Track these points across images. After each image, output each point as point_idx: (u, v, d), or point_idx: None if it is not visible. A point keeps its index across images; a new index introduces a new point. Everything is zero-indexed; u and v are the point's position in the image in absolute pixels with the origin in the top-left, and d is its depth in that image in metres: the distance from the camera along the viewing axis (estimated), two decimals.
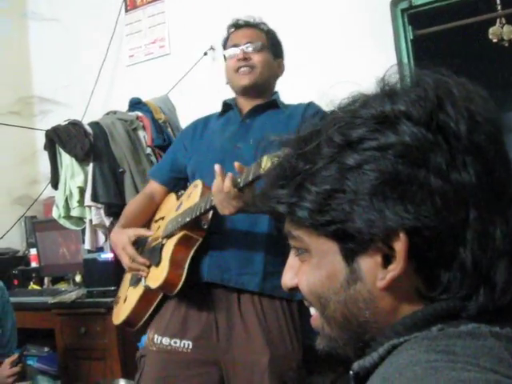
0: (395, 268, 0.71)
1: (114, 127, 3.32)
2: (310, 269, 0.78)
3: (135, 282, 2.17)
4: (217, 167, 1.76)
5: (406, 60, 3.32)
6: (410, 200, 0.68)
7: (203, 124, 2.29)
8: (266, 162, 1.58)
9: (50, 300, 3.43)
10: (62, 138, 3.24)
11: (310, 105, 2.19)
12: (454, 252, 0.70)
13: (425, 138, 0.68)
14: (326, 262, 0.76)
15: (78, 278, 3.71)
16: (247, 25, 2.25)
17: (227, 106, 2.26)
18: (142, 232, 2.16)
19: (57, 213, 3.36)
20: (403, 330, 0.70)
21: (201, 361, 2.00)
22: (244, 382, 1.97)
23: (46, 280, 4.01)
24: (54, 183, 3.38)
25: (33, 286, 3.98)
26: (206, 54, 3.73)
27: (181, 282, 1.94)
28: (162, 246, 2.06)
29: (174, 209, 2.15)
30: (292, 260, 0.85)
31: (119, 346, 3.15)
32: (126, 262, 2.10)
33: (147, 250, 2.14)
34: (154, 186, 2.34)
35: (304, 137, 0.79)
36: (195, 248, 1.99)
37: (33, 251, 4.10)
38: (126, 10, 4.19)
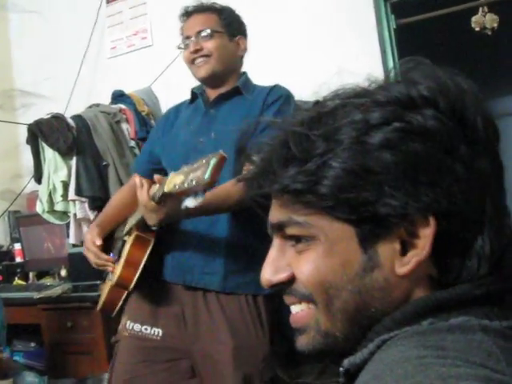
0: (419, 253, 0.69)
1: (97, 120, 3.30)
2: (318, 257, 0.73)
3: (107, 274, 2.22)
4: (136, 179, 1.77)
5: (389, 49, 3.32)
6: (440, 185, 0.68)
7: (174, 113, 2.27)
8: (170, 181, 1.58)
9: (36, 295, 3.41)
10: (44, 132, 3.22)
11: (273, 89, 2.14)
12: (473, 238, 0.70)
13: (449, 126, 0.69)
14: (339, 248, 0.72)
15: (63, 273, 3.69)
16: (196, 10, 2.18)
17: (195, 95, 2.22)
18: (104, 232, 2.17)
19: (41, 207, 3.34)
20: (393, 325, 0.69)
21: (170, 349, 2.06)
22: (210, 371, 2.03)
23: (30, 275, 3.98)
24: (38, 177, 3.36)
25: (18, 281, 3.95)
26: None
27: (133, 282, 1.98)
28: (123, 242, 2.09)
29: None
30: (276, 253, 0.79)
31: (106, 340, 3.13)
32: (91, 258, 2.11)
33: (117, 246, 2.17)
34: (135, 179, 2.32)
35: (321, 116, 0.74)
36: (150, 248, 1.99)
37: (17, 246, 4.07)
38: (108, 2, 4.14)
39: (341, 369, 0.72)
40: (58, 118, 3.26)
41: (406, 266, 0.70)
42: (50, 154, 3.26)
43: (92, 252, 2.09)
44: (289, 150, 0.72)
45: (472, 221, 0.70)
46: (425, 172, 0.67)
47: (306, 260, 0.74)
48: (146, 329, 2.07)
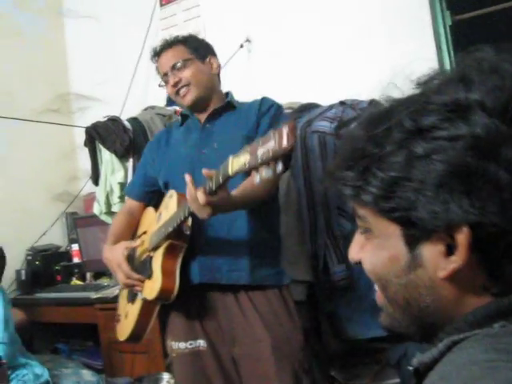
0: (457, 260, 0.69)
1: (153, 122, 3.34)
2: (373, 248, 0.78)
3: (132, 297, 2.27)
4: (187, 177, 1.82)
5: (444, 46, 3.26)
6: (477, 194, 0.66)
7: (166, 135, 2.39)
8: (232, 163, 1.63)
9: (93, 295, 3.47)
10: (101, 135, 3.27)
11: (264, 100, 2.26)
12: None
13: (497, 129, 0.65)
14: (388, 244, 0.75)
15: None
16: (163, 48, 2.30)
17: (185, 117, 2.35)
18: (130, 244, 2.25)
19: (98, 209, 3.39)
20: (465, 326, 0.69)
21: (217, 355, 2.17)
22: (252, 370, 2.12)
23: (88, 275, 4.05)
24: (95, 179, 3.41)
25: (75, 281, 4.03)
26: (242, 46, 3.72)
27: (175, 289, 2.04)
28: (151, 258, 2.15)
29: (155, 221, 2.24)
30: (358, 236, 0.84)
31: (162, 340, 3.15)
32: (121, 278, 2.18)
33: (138, 265, 2.23)
34: (130, 203, 2.44)
35: (374, 117, 0.76)
36: (182, 254, 2.09)
37: (74, 247, 4.15)
38: (161, 5, 4.19)
39: (410, 368, 0.73)
40: (114, 121, 3.31)
41: (443, 270, 0.71)
42: (107, 156, 3.31)
43: (123, 272, 2.15)
44: (348, 152, 0.76)
45: None
46: (462, 181, 0.67)
47: (366, 249, 0.80)
48: (190, 344, 2.17)
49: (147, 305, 2.17)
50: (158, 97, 3.72)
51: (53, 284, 4.04)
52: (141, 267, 2.20)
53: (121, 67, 4.29)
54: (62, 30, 4.79)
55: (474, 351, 0.64)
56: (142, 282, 2.14)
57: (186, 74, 2.21)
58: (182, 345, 2.18)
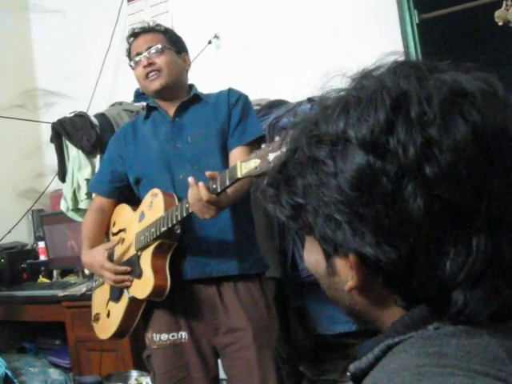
0: (353, 279, 0.72)
1: (120, 118, 3.32)
2: (306, 248, 0.81)
3: (116, 296, 2.26)
4: (190, 179, 1.88)
5: (412, 44, 3.30)
6: (357, 226, 0.67)
7: (132, 130, 2.38)
8: (241, 167, 1.73)
9: (60, 293, 3.44)
10: (68, 131, 3.24)
11: (231, 91, 2.30)
12: (405, 278, 0.68)
13: (370, 165, 0.66)
14: (313, 248, 0.77)
15: (86, 271, 3.71)
16: (144, 31, 2.31)
17: (151, 109, 2.35)
18: (110, 245, 2.27)
19: (65, 205, 3.36)
20: (400, 329, 0.70)
21: (198, 348, 2.20)
22: (233, 359, 2.18)
23: (54, 273, 4.01)
24: (62, 176, 3.38)
25: (42, 279, 3.99)
26: (210, 42, 3.72)
27: (168, 286, 2.08)
28: (138, 257, 2.16)
29: (137, 219, 2.25)
30: None
31: (130, 337, 3.12)
32: (109, 276, 2.19)
33: (122, 264, 2.23)
34: (99, 200, 2.44)
35: (292, 133, 0.78)
36: (171, 252, 2.12)
37: (41, 244, 4.11)
38: (128, 0, 4.16)
39: (348, 373, 0.74)
40: (81, 117, 3.28)
41: (346, 285, 0.73)
42: (74, 153, 3.28)
43: (109, 269, 2.18)
44: (272, 172, 0.80)
45: (394, 265, 0.67)
46: (343, 213, 0.68)
47: (306, 247, 0.82)
48: (173, 336, 2.20)
49: (134, 303, 2.18)
50: (126, 92, 3.70)
51: (19, 282, 3.99)
52: (127, 266, 2.20)
53: (88, 63, 4.25)
54: (28, 25, 4.73)
55: (407, 356, 0.64)
56: (132, 279, 2.16)
57: (161, 60, 2.22)
58: (164, 336, 2.20)
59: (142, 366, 2.85)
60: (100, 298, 2.41)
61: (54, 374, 3.24)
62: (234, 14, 3.69)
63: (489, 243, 0.64)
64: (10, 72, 4.49)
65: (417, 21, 3.33)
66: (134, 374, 3.12)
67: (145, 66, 2.21)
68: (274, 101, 3.23)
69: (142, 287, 2.10)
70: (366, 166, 0.66)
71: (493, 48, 4.03)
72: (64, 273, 4.01)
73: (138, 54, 2.25)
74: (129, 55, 2.33)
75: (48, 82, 4.56)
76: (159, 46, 2.23)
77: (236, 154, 2.19)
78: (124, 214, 2.38)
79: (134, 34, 2.32)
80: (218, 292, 2.19)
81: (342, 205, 0.68)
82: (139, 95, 3.55)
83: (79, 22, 4.35)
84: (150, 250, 2.10)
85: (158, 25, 2.36)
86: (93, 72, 4.15)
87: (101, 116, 3.34)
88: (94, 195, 2.53)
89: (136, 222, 2.24)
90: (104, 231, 2.42)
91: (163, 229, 2.03)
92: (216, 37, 3.72)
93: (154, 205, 2.16)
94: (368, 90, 0.70)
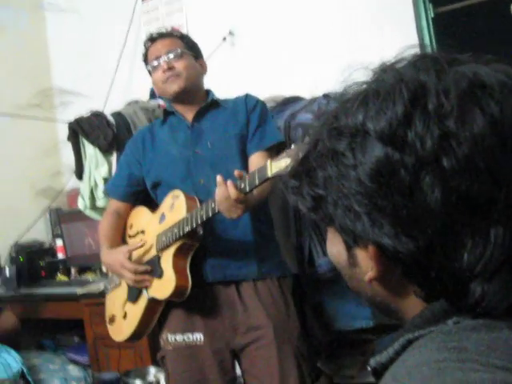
0: (373, 269, 0.73)
1: (137, 116, 3.32)
2: (329, 240, 0.81)
3: (134, 297, 2.27)
4: (219, 178, 1.89)
5: (427, 39, 3.28)
6: (376, 216, 0.68)
7: (149, 135, 2.39)
8: (271, 166, 1.74)
9: (79, 291, 3.46)
10: (85, 129, 3.26)
11: (248, 97, 2.33)
12: (423, 270, 0.69)
13: (389, 158, 0.67)
14: (335, 240, 0.78)
15: (104, 268, 3.73)
16: (161, 36, 2.33)
17: (168, 113, 2.36)
18: (133, 246, 2.27)
19: (82, 204, 3.38)
20: (421, 324, 0.70)
21: (214, 350, 2.19)
22: (254, 357, 2.18)
23: (72, 271, 4.04)
24: (79, 174, 3.39)
25: (60, 277, 4.02)
26: (224, 39, 3.71)
27: (189, 286, 2.09)
28: (159, 258, 2.18)
29: (157, 221, 2.26)
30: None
31: (148, 334, 3.14)
32: (129, 276, 2.20)
33: (142, 264, 2.24)
34: (115, 204, 2.45)
35: (312, 127, 0.80)
36: (192, 253, 2.13)
37: (59, 242, 4.14)
38: None
39: (368, 368, 0.74)
40: (97, 116, 3.30)
41: (366, 275, 0.74)
42: (90, 151, 3.29)
43: (129, 269, 2.18)
44: (295, 164, 0.82)
45: (413, 256, 0.68)
46: (363, 204, 0.69)
47: (328, 239, 0.82)
48: (188, 337, 2.20)
49: (153, 304, 2.19)
50: (142, 91, 3.71)
51: (37, 280, 4.02)
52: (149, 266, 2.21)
53: (103, 61, 4.27)
54: (43, 25, 4.75)
55: (426, 350, 0.65)
56: (152, 279, 2.17)
57: (181, 64, 2.24)
58: (179, 337, 2.20)
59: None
60: (116, 300, 2.42)
61: (74, 370, 3.26)
62: (249, 10, 3.69)
63: (507, 235, 0.64)
64: (26, 72, 4.51)
65: (432, 15, 3.31)
66: (153, 370, 3.14)
67: (164, 71, 2.23)
68: (290, 97, 3.23)
69: (163, 287, 2.11)
70: (385, 158, 0.67)
71: (509, 41, 4.00)
72: (82, 270, 4.03)
73: (157, 58, 2.26)
74: (145, 59, 2.35)
75: (64, 81, 4.58)
76: (178, 50, 2.26)
77: (255, 159, 2.20)
78: (142, 216, 2.39)
79: (152, 39, 2.33)
80: (237, 292, 2.20)
81: (361, 196, 0.69)
82: (155, 93, 3.55)
83: (94, 20, 4.37)
84: (172, 250, 2.11)
85: (175, 30, 2.40)
86: (108, 71, 4.17)
87: (117, 115, 3.35)
88: (110, 199, 2.54)
89: (156, 224, 2.24)
90: (121, 234, 2.43)
91: (187, 229, 2.03)
92: (231, 33, 3.72)
93: (175, 206, 2.16)
94: (386, 83, 0.70)
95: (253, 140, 2.24)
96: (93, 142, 3.25)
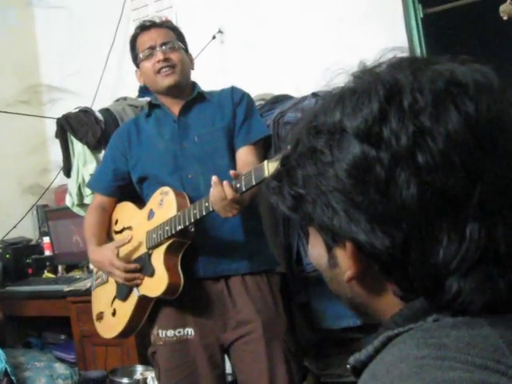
0: (351, 268, 0.73)
1: (125, 113, 3.32)
2: (310, 243, 0.82)
3: (123, 295, 2.25)
4: (214, 178, 1.87)
5: (416, 39, 3.29)
6: (352, 214, 0.69)
7: (135, 128, 2.36)
8: (268, 166, 1.72)
9: (65, 288, 3.45)
10: (73, 126, 3.24)
11: (234, 90, 2.32)
12: (401, 266, 0.69)
13: (365, 154, 0.67)
14: (315, 242, 0.79)
15: (91, 266, 3.71)
16: (155, 25, 2.29)
17: (153, 106, 2.34)
18: (120, 242, 2.24)
19: (70, 201, 3.37)
20: (400, 321, 0.70)
21: (205, 344, 2.19)
22: (243, 352, 2.18)
23: (59, 268, 4.03)
24: (67, 171, 3.38)
25: (47, 274, 4.00)
26: (214, 37, 3.71)
27: (182, 284, 2.08)
28: (149, 255, 2.16)
29: (145, 218, 2.24)
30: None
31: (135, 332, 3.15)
32: (118, 274, 2.18)
33: (131, 262, 2.22)
34: (100, 199, 2.43)
35: (294, 126, 0.80)
36: (183, 251, 2.12)
37: (46, 240, 4.12)
38: None
39: (348, 366, 0.74)
40: (86, 112, 3.29)
41: (345, 275, 0.74)
42: (79, 148, 3.28)
43: (119, 267, 2.16)
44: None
45: (388, 252, 0.68)
46: (340, 201, 0.70)
47: (309, 242, 0.83)
48: (179, 332, 2.19)
49: (143, 301, 2.18)
50: (130, 88, 3.70)
51: (24, 277, 4.00)
52: (137, 264, 2.19)
53: (92, 58, 4.25)
54: (32, 21, 4.72)
55: (405, 347, 0.64)
56: (142, 277, 2.15)
57: (176, 56, 2.22)
58: (170, 332, 2.19)
59: (147, 360, 2.86)
60: (103, 297, 2.40)
61: (60, 368, 3.25)
62: (238, 8, 3.69)
63: (482, 231, 0.65)
64: (15, 68, 4.50)
65: (421, 15, 3.32)
66: (140, 368, 3.14)
67: (159, 61, 2.19)
68: (279, 96, 3.23)
69: (155, 285, 2.10)
70: (361, 155, 0.67)
71: (497, 42, 4.02)
72: (69, 268, 4.02)
73: (151, 47, 2.23)
74: (133, 47, 2.31)
75: (52, 78, 4.56)
76: (174, 42, 2.24)
77: (243, 154, 2.20)
78: (128, 212, 2.37)
79: (145, 27, 2.29)
80: (227, 287, 2.20)
81: (338, 193, 0.69)
82: (143, 90, 3.54)
83: (83, 17, 4.35)
84: (163, 248, 2.09)
85: (168, 21, 2.37)
86: (97, 67, 4.15)
87: (105, 111, 3.34)
88: (95, 193, 2.52)
89: (144, 220, 2.23)
90: (106, 229, 2.41)
91: (179, 227, 2.02)
92: (220, 32, 3.72)
93: (164, 203, 2.15)
94: (363, 81, 0.71)
95: (239, 134, 2.23)
96: (81, 139, 3.23)
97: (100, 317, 2.39)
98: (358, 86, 0.71)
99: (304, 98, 3.01)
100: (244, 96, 2.29)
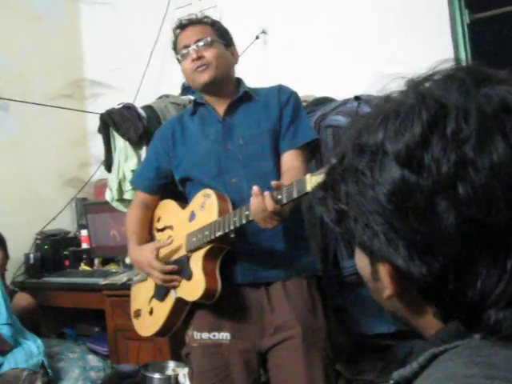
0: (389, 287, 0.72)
1: (167, 111, 3.33)
2: (356, 252, 0.80)
3: (161, 295, 2.23)
4: (255, 188, 1.83)
5: (461, 45, 3.25)
6: (391, 237, 0.67)
7: (179, 126, 2.32)
8: (310, 180, 1.68)
9: (101, 281, 3.49)
10: (116, 122, 3.27)
11: (282, 89, 2.24)
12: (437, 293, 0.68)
13: (405, 180, 0.65)
14: (360, 253, 0.77)
15: (128, 260, 3.75)
16: (191, 23, 2.25)
17: (198, 104, 2.30)
18: (160, 244, 2.22)
19: (110, 195, 3.40)
20: (446, 337, 0.69)
21: (240, 349, 2.13)
22: (281, 359, 2.11)
23: (96, 261, 4.08)
24: (108, 166, 3.41)
25: (83, 266, 4.06)
26: (257, 37, 3.72)
27: (219, 289, 2.04)
28: (188, 258, 2.13)
29: (186, 219, 2.21)
30: None
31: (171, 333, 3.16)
32: (157, 275, 2.16)
33: (170, 263, 2.19)
34: (143, 196, 2.40)
35: (340, 137, 0.79)
36: (222, 256, 2.08)
37: (83, 232, 4.18)
38: None
39: (391, 381, 0.72)
40: (129, 108, 3.31)
41: (384, 292, 0.73)
42: (120, 144, 3.31)
43: (158, 269, 2.14)
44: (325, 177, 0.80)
45: (425, 280, 0.67)
46: (379, 223, 0.68)
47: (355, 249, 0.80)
48: (214, 335, 2.15)
49: (180, 304, 2.16)
50: (173, 85, 3.73)
51: (61, 269, 4.07)
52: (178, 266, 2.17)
53: (135, 54, 4.30)
54: (77, 16, 4.80)
55: (453, 365, 0.63)
56: (180, 280, 2.13)
57: (210, 53, 2.17)
58: (205, 335, 2.16)
59: (179, 356, 2.88)
60: (142, 294, 2.39)
61: (93, 360, 3.28)
62: (282, 9, 3.69)
63: None
64: (59, 62, 4.57)
65: (467, 21, 3.28)
66: (171, 364, 3.16)
67: (193, 60, 2.16)
68: (320, 98, 3.22)
69: (192, 289, 2.07)
70: (401, 180, 0.65)
71: None
72: (105, 261, 4.07)
73: (186, 46, 2.19)
74: (175, 48, 2.28)
75: (95, 73, 4.63)
76: (208, 38, 2.18)
77: (288, 158, 2.15)
78: (170, 211, 2.35)
79: (181, 26, 2.26)
80: (266, 293, 2.15)
81: (378, 215, 0.68)
82: (186, 88, 3.56)
83: (128, 13, 4.41)
84: (202, 252, 2.06)
85: (205, 16, 2.31)
86: (140, 64, 4.20)
87: (148, 108, 3.35)
88: (137, 191, 2.50)
89: (186, 222, 2.20)
90: (148, 226, 2.39)
91: (219, 233, 1.99)
92: (263, 32, 3.72)
93: (206, 206, 2.12)
94: (407, 103, 0.69)
95: (286, 137, 2.17)
96: (123, 135, 3.26)
97: (137, 314, 2.39)
98: (401, 107, 0.69)
99: (346, 101, 2.99)
100: (291, 96, 2.23)
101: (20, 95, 4.14)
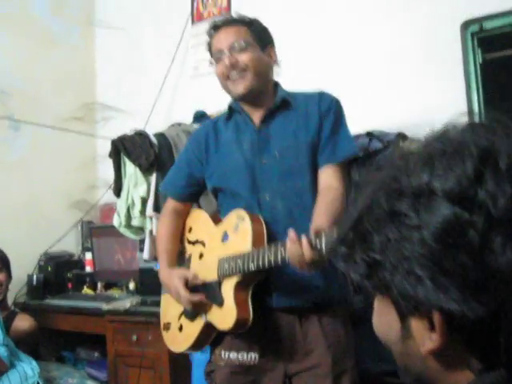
0: (436, 339, 0.69)
1: (179, 139, 3.34)
2: (377, 311, 0.78)
3: (191, 315, 2.17)
4: (291, 234, 1.75)
5: (473, 84, 3.26)
6: (440, 281, 0.66)
7: (213, 132, 2.22)
8: None
9: (104, 306, 3.46)
10: (127, 148, 3.28)
11: (323, 97, 2.12)
12: (491, 336, 0.66)
13: (457, 217, 0.65)
14: (385, 311, 0.76)
15: (131, 286, 3.74)
16: (226, 24, 2.12)
17: (233, 110, 2.19)
18: (190, 276, 2.11)
19: (118, 221, 3.39)
20: None
21: (269, 369, 2.06)
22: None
23: (99, 285, 4.05)
24: (117, 191, 3.41)
25: (86, 290, 4.03)
26: None
27: (251, 319, 1.96)
28: (220, 284, 2.05)
29: (219, 238, 2.12)
30: None
31: (170, 356, 3.14)
32: (185, 303, 2.09)
33: (201, 286, 2.12)
34: (174, 204, 2.31)
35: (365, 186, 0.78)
36: (254, 284, 2.00)
37: (88, 256, 4.16)
38: (193, 22, 4.21)
39: None
40: (141, 135, 3.32)
41: (424, 347, 0.71)
42: (131, 170, 3.31)
43: (185, 298, 2.07)
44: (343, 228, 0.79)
45: (481, 321, 0.65)
46: (426, 268, 0.67)
47: (374, 308, 0.79)
48: (242, 356, 2.08)
49: (210, 327, 2.09)
50: (184, 112, 3.74)
51: (63, 291, 4.05)
52: (206, 290, 2.09)
53: (148, 80, 4.31)
54: (92, 40, 4.84)
55: None
56: (211, 305, 2.06)
57: (245, 57, 2.04)
58: (233, 355, 2.09)
59: None
60: (172, 307, 2.29)
61: None
62: (295, 40, 3.71)
63: None
64: (72, 84, 4.60)
65: (480, 60, 3.29)
66: None
67: (227, 67, 2.04)
68: None
69: (223, 318, 2.01)
70: (453, 218, 0.65)
71: None
72: (108, 286, 4.05)
73: (220, 50, 2.07)
74: (209, 49, 2.16)
75: (107, 97, 4.65)
76: (242, 42, 2.05)
77: (326, 175, 2.04)
78: (202, 223, 2.25)
79: (215, 27, 2.13)
80: (299, 319, 2.07)
81: (424, 259, 0.66)
82: (199, 117, 3.58)
83: (143, 39, 4.44)
84: (234, 280, 1.98)
85: (241, 16, 2.17)
86: (152, 90, 4.21)
87: (160, 136, 3.36)
88: (168, 198, 2.38)
89: (218, 241, 2.11)
90: (179, 238, 2.29)
91: (252, 268, 1.90)
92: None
93: (240, 229, 2.01)
94: (453, 141, 0.69)
95: (324, 151, 2.05)
96: (134, 161, 3.26)
97: (167, 327, 2.31)
98: (447, 146, 0.69)
99: (357, 137, 2.99)
100: (332, 104, 2.09)
101: (32, 116, 4.16)
